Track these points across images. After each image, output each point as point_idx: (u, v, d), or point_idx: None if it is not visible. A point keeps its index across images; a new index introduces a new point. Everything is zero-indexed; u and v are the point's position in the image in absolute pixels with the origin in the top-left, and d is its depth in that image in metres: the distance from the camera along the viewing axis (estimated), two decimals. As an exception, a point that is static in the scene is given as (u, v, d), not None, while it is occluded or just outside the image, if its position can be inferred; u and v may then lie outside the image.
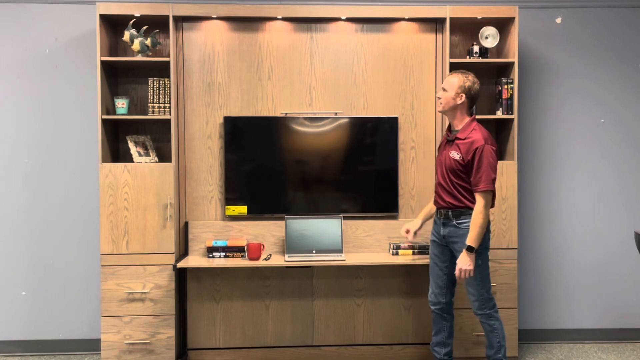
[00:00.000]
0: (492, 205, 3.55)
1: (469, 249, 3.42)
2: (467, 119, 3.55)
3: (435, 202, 3.69)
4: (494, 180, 3.43)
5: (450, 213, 3.56)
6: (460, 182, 3.51)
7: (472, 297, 3.60)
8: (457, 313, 4.05)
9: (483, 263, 3.54)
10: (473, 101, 3.57)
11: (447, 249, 3.64)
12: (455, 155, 3.50)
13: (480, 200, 3.43)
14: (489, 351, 3.66)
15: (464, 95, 3.51)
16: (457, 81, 3.52)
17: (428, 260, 3.98)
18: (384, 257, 4.05)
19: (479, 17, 4.08)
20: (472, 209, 3.47)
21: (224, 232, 4.16)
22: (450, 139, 3.57)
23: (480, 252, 3.50)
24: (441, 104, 3.56)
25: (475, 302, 3.60)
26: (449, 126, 3.65)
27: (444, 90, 3.55)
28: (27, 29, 4.25)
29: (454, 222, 3.55)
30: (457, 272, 3.47)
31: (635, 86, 4.51)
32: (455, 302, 4.04)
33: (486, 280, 3.58)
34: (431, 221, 3.82)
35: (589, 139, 4.50)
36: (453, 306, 3.76)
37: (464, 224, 3.50)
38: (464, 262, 3.44)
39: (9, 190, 4.28)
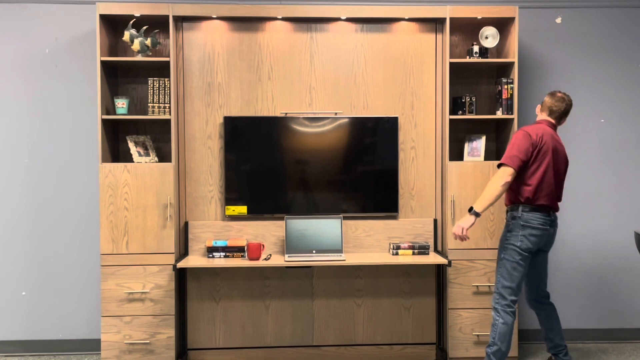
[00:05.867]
0: (529, 201, 3.59)
1: (470, 209, 3.55)
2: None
3: None
4: (512, 158, 3.52)
5: (507, 209, 3.78)
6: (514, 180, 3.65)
7: (495, 286, 3.71)
8: (456, 313, 4.07)
9: (505, 259, 3.63)
10: (552, 114, 3.75)
11: None
12: None
13: (498, 172, 3.56)
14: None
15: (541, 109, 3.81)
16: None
17: (427, 261, 4.00)
18: (384, 257, 4.04)
19: (479, 17, 4.08)
20: (516, 203, 3.63)
21: (224, 232, 4.16)
22: None
23: (506, 247, 3.63)
24: None
25: (494, 292, 3.69)
26: None
27: None
28: (27, 29, 4.25)
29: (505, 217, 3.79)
30: (454, 229, 3.58)
31: (635, 86, 4.51)
32: (454, 301, 4.07)
33: (506, 278, 3.62)
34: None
35: (589, 139, 4.50)
36: (541, 300, 3.90)
37: (506, 216, 3.72)
38: (461, 221, 3.57)
39: (9, 190, 4.28)
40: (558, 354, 3.89)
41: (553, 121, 3.74)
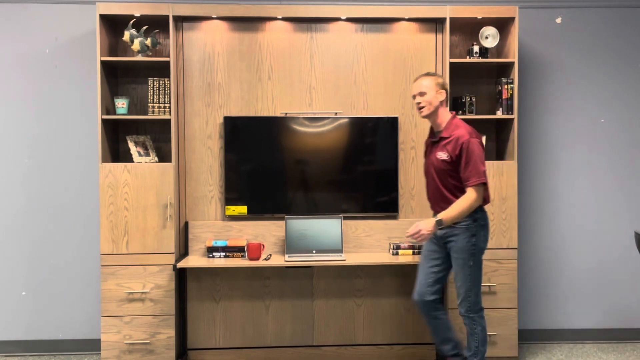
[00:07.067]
0: (487, 201, 3.50)
1: (438, 221, 3.36)
2: (449, 116, 3.52)
3: (433, 209, 3.62)
4: (484, 172, 3.39)
5: None
6: (453, 182, 3.45)
7: (460, 297, 3.54)
8: (455, 313, 4.05)
9: (475, 264, 3.47)
10: (448, 96, 3.58)
11: (443, 249, 3.58)
12: (443, 155, 3.45)
13: (472, 193, 3.36)
14: (467, 352, 3.64)
15: (443, 91, 3.51)
16: (431, 80, 3.51)
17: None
18: (384, 257, 4.04)
19: (479, 17, 4.08)
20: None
21: (224, 232, 4.16)
22: (435, 140, 3.54)
23: (474, 253, 3.46)
24: (424, 107, 3.49)
25: (462, 302, 3.53)
26: (431, 130, 3.62)
27: (423, 94, 3.49)
28: (27, 29, 4.25)
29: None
30: (411, 228, 3.39)
31: (635, 86, 4.51)
32: (454, 301, 4.05)
33: (476, 283, 3.50)
34: None
35: (589, 139, 4.50)
36: (439, 303, 3.67)
37: (460, 223, 3.43)
38: (424, 225, 3.36)
39: (9, 190, 4.28)
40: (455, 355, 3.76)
41: None
